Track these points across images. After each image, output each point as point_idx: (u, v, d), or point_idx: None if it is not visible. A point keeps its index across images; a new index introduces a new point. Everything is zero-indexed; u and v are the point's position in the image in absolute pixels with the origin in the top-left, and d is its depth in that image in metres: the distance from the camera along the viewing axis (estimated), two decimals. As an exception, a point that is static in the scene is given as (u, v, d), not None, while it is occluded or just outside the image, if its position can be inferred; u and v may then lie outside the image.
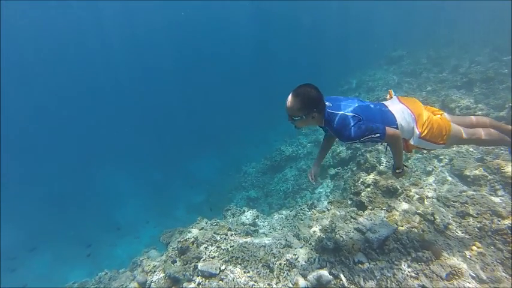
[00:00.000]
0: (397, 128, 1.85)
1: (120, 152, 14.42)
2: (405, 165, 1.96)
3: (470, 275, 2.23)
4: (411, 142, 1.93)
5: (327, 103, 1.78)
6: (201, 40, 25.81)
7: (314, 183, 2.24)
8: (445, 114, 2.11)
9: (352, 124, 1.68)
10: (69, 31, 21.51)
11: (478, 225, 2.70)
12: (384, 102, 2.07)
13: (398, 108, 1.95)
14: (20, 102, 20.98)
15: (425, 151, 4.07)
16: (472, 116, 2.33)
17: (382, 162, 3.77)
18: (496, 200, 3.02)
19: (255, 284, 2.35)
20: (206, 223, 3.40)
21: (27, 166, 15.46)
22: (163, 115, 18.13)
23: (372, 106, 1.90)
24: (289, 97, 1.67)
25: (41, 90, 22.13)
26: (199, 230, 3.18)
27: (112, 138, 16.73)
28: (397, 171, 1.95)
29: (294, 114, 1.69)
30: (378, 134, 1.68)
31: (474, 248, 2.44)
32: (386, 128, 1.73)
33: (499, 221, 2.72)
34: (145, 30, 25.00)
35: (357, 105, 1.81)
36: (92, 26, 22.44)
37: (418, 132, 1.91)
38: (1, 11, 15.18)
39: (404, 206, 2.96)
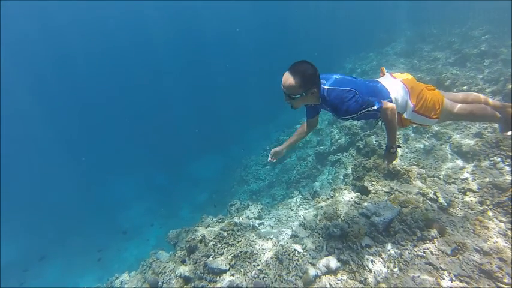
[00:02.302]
0: (391, 101, 1.85)
1: (122, 157, 14.37)
2: (399, 146, 1.94)
3: (474, 248, 2.27)
4: (405, 116, 1.93)
5: (322, 80, 1.76)
6: (199, 40, 25.36)
7: (269, 160, 2.20)
8: (438, 90, 2.11)
9: (348, 98, 1.67)
10: (69, 32, 21.08)
11: (480, 200, 2.75)
12: (377, 79, 2.07)
13: (391, 82, 1.96)
14: (21, 105, 20.61)
15: (421, 127, 4.09)
16: (465, 93, 2.34)
17: (382, 146, 3.78)
18: (496, 173, 3.06)
19: (266, 276, 2.39)
20: (212, 220, 3.42)
21: (29, 173, 15.39)
22: (161, 117, 17.99)
23: (366, 82, 1.91)
24: (287, 75, 1.61)
25: (41, 92, 21.69)
26: (206, 227, 3.20)
27: (114, 143, 16.64)
28: (391, 150, 1.89)
29: (293, 92, 1.64)
30: (375, 107, 1.68)
31: (477, 222, 2.49)
32: (382, 101, 1.74)
33: (500, 193, 2.76)
34: (142, 32, 24.51)
35: (350, 80, 1.81)
36: (92, 28, 21.90)
37: (412, 105, 1.91)
38: (1, 11, 14.91)
39: (407, 187, 2.99)
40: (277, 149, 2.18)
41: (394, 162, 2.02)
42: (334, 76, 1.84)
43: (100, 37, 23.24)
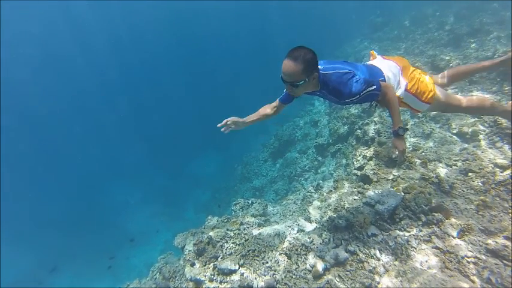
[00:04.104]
0: (385, 80, 1.85)
1: (122, 163, 14.32)
2: (406, 129, 1.84)
3: (479, 229, 2.30)
4: (398, 94, 1.92)
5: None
6: (196, 39, 25.08)
7: (221, 125, 1.95)
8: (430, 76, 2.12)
9: (349, 79, 1.66)
10: (69, 32, 20.95)
11: (482, 180, 2.76)
12: (370, 62, 2.07)
13: (383, 62, 1.97)
14: (21, 111, 20.38)
15: (416, 113, 4.08)
16: (445, 71, 2.33)
17: (381, 133, 3.78)
18: (496, 152, 3.08)
19: (275, 273, 2.40)
20: (217, 221, 3.43)
21: (31, 185, 15.35)
22: (158, 117, 17.84)
23: (359, 64, 1.91)
24: (287, 62, 1.54)
25: (40, 94, 21.43)
26: (212, 229, 3.21)
27: (113, 146, 16.57)
28: (399, 132, 1.71)
29: (296, 79, 1.58)
30: (374, 86, 1.68)
31: (480, 202, 2.50)
32: (380, 81, 1.75)
33: (501, 172, 2.78)
34: (133, 31, 24.24)
35: (345, 64, 1.80)
36: (91, 27, 21.72)
37: (404, 83, 1.91)
38: (1, 11, 14.83)
39: (409, 172, 3.00)
40: (239, 120, 1.98)
41: (405, 148, 1.78)
42: (328, 61, 1.81)
43: (98, 37, 23.01)
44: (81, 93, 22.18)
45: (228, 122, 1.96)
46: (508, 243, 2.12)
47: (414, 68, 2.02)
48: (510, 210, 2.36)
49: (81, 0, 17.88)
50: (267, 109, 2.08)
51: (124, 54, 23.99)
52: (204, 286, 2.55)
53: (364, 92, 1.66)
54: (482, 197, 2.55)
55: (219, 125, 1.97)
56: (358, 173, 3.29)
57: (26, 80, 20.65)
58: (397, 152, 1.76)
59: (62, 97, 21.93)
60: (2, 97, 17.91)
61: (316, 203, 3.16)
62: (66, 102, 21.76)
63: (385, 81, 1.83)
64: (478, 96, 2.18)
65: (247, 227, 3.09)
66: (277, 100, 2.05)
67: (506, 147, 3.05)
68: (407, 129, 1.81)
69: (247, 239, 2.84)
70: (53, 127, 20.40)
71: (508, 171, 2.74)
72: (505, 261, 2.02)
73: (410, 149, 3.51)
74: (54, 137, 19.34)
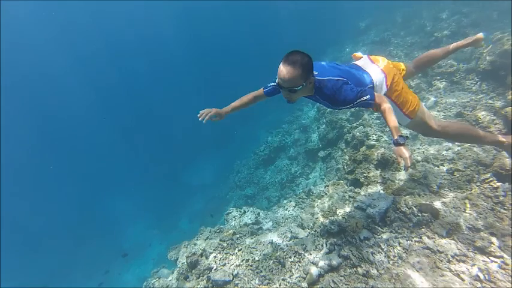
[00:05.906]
0: (373, 86, 1.87)
1: (115, 175, 14.04)
2: (406, 137, 1.73)
3: (467, 226, 2.35)
4: None
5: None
6: (191, 41, 25.02)
7: (202, 116, 1.96)
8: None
9: (344, 88, 1.67)
10: (68, 33, 20.57)
11: (467, 178, 2.84)
12: (356, 62, 2.08)
13: (371, 68, 1.99)
14: (19, 116, 19.77)
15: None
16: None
17: (370, 136, 3.84)
18: (479, 150, 3.17)
19: (270, 281, 2.37)
20: (210, 232, 3.38)
21: (27, 197, 14.87)
22: (153, 124, 17.66)
23: (348, 69, 1.91)
24: (285, 68, 1.51)
25: (39, 103, 20.86)
26: (205, 240, 3.16)
27: (105, 158, 16.25)
28: (399, 141, 1.59)
29: (295, 84, 1.56)
30: (368, 96, 1.68)
31: (466, 201, 2.57)
32: (374, 93, 1.75)
33: (485, 169, 2.87)
34: (129, 37, 24.04)
35: (338, 69, 1.81)
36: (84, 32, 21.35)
37: (385, 89, 1.92)
38: (1, 11, 14.76)
39: (398, 174, 3.05)
40: (221, 111, 2.03)
41: (410, 154, 1.64)
42: (323, 63, 1.81)
43: (95, 41, 22.66)
44: (77, 101, 21.80)
45: (211, 115, 1.97)
46: (494, 239, 2.18)
47: (400, 76, 2.03)
48: (495, 207, 2.43)
49: (82, 0, 17.77)
50: (248, 97, 2.09)
51: (119, 63, 23.78)
52: (197, 300, 2.49)
53: (357, 101, 1.67)
54: (468, 195, 2.62)
55: (200, 119, 1.98)
56: (349, 177, 3.32)
57: (25, 84, 20.18)
58: (402, 161, 1.61)
59: (59, 105, 21.55)
60: (2, 101, 17.48)
61: (308, 208, 3.16)
62: (62, 110, 21.37)
63: (373, 87, 1.86)
64: (468, 125, 2.19)
65: (240, 237, 3.05)
66: (262, 90, 2.04)
67: (488, 146, 3.15)
68: (407, 137, 1.77)
69: (241, 249, 2.81)
70: (49, 136, 19.95)
71: (490, 169, 2.83)
72: (491, 258, 2.07)
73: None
74: (50, 146, 18.88)
